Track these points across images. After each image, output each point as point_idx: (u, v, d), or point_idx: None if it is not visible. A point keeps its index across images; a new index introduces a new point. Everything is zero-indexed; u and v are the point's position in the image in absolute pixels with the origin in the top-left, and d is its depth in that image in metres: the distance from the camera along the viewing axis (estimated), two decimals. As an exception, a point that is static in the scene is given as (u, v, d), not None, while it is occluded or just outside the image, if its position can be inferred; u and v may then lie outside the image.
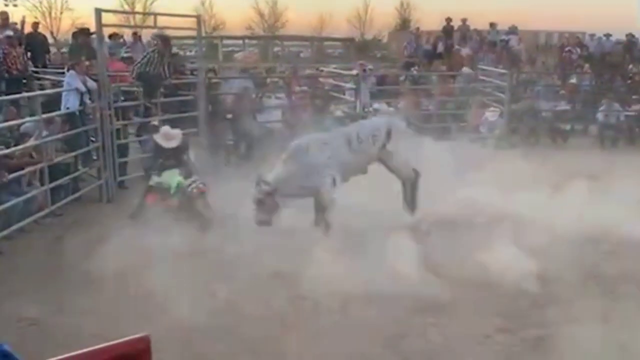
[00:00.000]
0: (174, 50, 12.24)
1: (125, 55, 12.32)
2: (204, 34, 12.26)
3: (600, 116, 13.52)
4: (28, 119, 8.69)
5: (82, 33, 12.60)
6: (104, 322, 5.09)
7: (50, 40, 17.14)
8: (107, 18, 9.46)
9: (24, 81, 11.57)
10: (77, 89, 9.14)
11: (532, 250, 6.41)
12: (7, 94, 10.27)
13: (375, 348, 5.06)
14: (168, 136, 8.11)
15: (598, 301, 5.49)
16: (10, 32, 11.82)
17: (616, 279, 6.11)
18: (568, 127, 13.64)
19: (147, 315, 5.21)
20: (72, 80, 9.30)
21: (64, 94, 9.26)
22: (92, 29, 10.69)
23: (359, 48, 24.28)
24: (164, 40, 10.04)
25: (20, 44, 11.92)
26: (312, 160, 7.43)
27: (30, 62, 12.37)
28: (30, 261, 6.75)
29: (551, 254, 6.50)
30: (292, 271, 6.16)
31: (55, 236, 7.56)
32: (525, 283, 5.97)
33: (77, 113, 9.06)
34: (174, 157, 7.97)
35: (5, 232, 7.14)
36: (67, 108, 9.09)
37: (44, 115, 8.41)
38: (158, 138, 8.10)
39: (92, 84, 9.33)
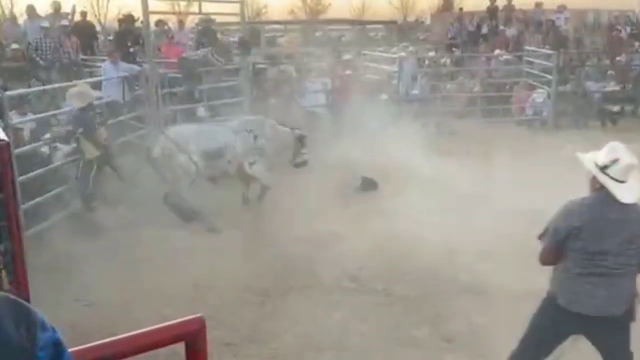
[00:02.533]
0: (218, 36, 12.35)
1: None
2: (247, 20, 12.33)
3: (651, 97, 13.15)
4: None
5: (127, 20, 12.79)
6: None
7: (98, 28, 17.43)
8: (152, 5, 9.63)
9: (75, 69, 11.83)
10: (121, 78, 9.38)
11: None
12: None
13: (417, 329, 5.10)
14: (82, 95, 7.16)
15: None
16: (66, 22, 12.13)
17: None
18: (618, 108, 13.29)
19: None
20: (107, 70, 9.55)
21: (103, 84, 9.49)
22: (138, 16, 10.88)
23: (401, 31, 23.97)
24: (204, 28, 10.20)
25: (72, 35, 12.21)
26: None
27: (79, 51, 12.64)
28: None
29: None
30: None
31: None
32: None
33: (118, 102, 9.24)
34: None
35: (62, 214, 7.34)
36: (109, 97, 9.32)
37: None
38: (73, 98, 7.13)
39: (126, 67, 9.53)
